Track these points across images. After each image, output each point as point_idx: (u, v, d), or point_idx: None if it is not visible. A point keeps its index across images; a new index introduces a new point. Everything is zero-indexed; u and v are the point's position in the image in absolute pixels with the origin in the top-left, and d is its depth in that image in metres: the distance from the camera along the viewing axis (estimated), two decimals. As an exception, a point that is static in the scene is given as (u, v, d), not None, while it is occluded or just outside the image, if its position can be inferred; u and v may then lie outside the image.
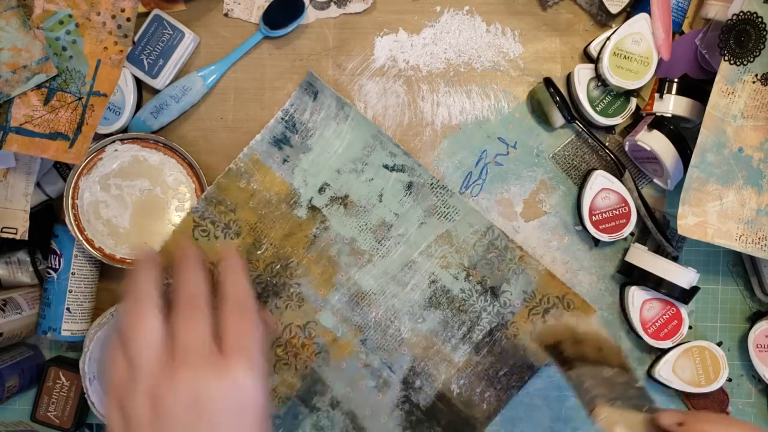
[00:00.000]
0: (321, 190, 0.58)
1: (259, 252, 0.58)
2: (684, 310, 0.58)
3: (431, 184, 0.58)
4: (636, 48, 0.54)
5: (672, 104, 0.55)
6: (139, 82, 0.58)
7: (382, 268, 0.58)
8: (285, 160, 0.58)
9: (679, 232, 0.53)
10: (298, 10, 0.57)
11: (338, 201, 0.58)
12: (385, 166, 0.58)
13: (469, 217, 0.58)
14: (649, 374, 0.60)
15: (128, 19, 0.54)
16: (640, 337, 0.58)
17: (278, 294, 0.58)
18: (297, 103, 0.57)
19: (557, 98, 0.57)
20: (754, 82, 0.51)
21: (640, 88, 0.56)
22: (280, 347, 0.58)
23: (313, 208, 0.58)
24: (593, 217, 0.57)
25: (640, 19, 0.54)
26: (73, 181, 0.56)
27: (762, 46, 0.51)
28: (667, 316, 0.58)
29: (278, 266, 0.58)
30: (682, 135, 0.56)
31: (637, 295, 0.58)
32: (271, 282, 0.58)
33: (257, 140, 0.58)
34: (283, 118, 0.57)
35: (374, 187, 0.58)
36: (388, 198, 0.58)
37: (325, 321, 0.58)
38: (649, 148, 0.55)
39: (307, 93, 0.57)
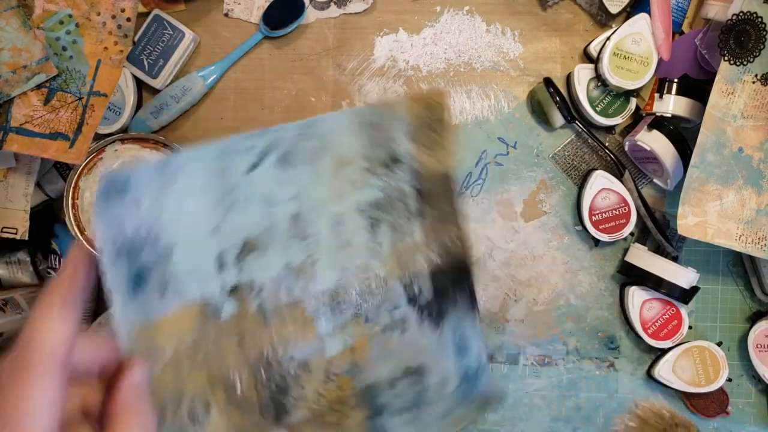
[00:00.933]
0: (220, 266, 0.47)
1: (239, 393, 0.49)
2: (684, 310, 0.58)
3: (299, 134, 0.48)
4: (636, 48, 0.54)
5: (672, 104, 0.55)
6: (139, 82, 0.58)
7: (326, 251, 0.51)
8: (163, 289, 0.45)
9: (679, 232, 0.53)
10: (298, 10, 0.57)
11: (244, 253, 0.48)
12: (252, 166, 0.47)
13: (338, 123, 0.50)
14: (649, 374, 0.60)
15: (128, 19, 0.54)
16: (640, 337, 0.58)
17: (287, 391, 0.52)
18: (106, 224, 0.42)
19: (557, 98, 0.57)
20: (753, 82, 0.52)
21: (640, 88, 0.56)
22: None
23: (233, 291, 0.48)
24: (593, 217, 0.57)
25: (640, 20, 0.54)
26: (73, 181, 0.56)
27: (762, 46, 0.51)
28: (667, 316, 0.58)
29: (276, 378, 0.51)
30: (682, 135, 0.56)
31: (637, 295, 0.58)
32: (277, 398, 0.52)
33: (116, 310, 0.42)
34: (111, 258, 0.44)
35: (258, 202, 0.48)
36: (275, 191, 0.49)
37: (332, 349, 0.53)
38: (648, 148, 0.55)
39: (110, 199, 0.42)
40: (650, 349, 0.60)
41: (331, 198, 0.51)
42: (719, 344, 0.60)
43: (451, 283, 0.55)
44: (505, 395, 0.59)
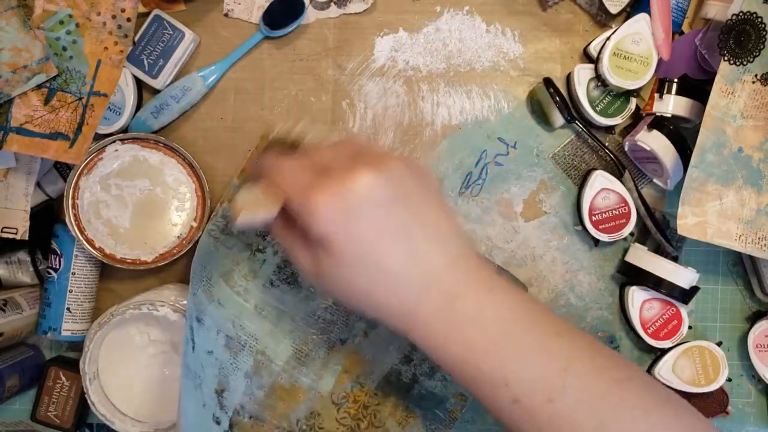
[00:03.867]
0: (217, 422, 0.54)
1: None
2: (684, 310, 0.58)
3: (193, 295, 0.53)
4: (636, 48, 0.54)
5: (672, 104, 0.56)
6: (139, 82, 0.58)
7: (267, 336, 0.54)
8: None
9: (679, 232, 0.53)
10: (298, 10, 0.57)
11: (221, 399, 0.54)
12: (192, 348, 0.53)
13: (204, 251, 0.54)
14: (649, 374, 0.60)
15: (128, 19, 0.54)
16: (639, 337, 0.58)
17: None
18: None
19: (557, 98, 0.57)
20: (753, 82, 0.52)
21: (640, 88, 0.56)
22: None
23: (230, 427, 0.53)
24: (593, 217, 0.57)
25: (640, 20, 0.54)
26: (74, 181, 0.56)
27: (761, 46, 0.51)
28: (667, 316, 0.58)
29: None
30: (681, 135, 0.56)
31: (636, 295, 0.58)
32: None
33: None
34: None
35: (206, 362, 0.53)
36: (207, 343, 0.54)
37: (326, 386, 0.56)
38: (648, 148, 0.55)
39: None
40: (650, 349, 0.60)
41: (238, 304, 0.54)
42: (719, 344, 0.60)
43: None
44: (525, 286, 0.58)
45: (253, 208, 0.39)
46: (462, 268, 0.38)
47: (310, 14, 0.59)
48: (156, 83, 0.57)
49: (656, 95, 0.56)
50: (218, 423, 0.54)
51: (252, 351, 0.53)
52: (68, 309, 0.58)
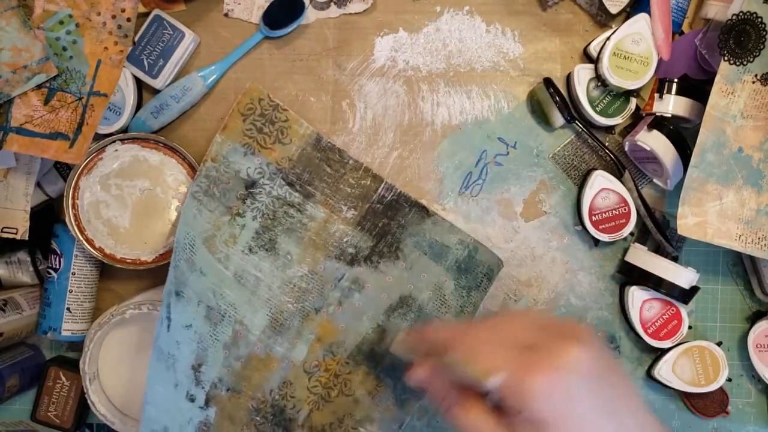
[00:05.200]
0: (191, 399, 0.54)
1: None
2: (684, 310, 0.58)
3: (174, 267, 0.54)
4: (636, 48, 0.54)
5: (672, 104, 0.56)
6: (139, 82, 0.58)
7: (245, 306, 0.55)
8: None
9: (679, 232, 0.53)
10: (298, 10, 0.57)
11: (197, 374, 0.54)
12: (167, 326, 0.53)
13: (186, 217, 0.54)
14: (649, 374, 0.60)
15: (128, 20, 0.54)
16: (639, 337, 0.58)
17: (283, 410, 0.56)
18: None
19: (557, 98, 0.57)
20: (753, 82, 0.52)
21: (640, 88, 0.56)
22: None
23: (207, 401, 0.54)
24: (593, 217, 0.57)
25: (640, 20, 0.54)
26: (74, 181, 0.56)
27: (762, 46, 0.51)
28: (667, 316, 0.58)
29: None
30: (681, 135, 0.56)
31: (636, 295, 0.58)
32: (279, 421, 0.56)
33: None
34: None
35: (183, 336, 0.54)
36: (186, 317, 0.54)
37: (298, 355, 0.56)
38: (648, 148, 0.55)
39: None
40: (650, 348, 0.60)
41: (219, 272, 0.55)
42: (719, 344, 0.60)
43: (384, 215, 0.56)
44: (502, 261, 0.58)
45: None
46: None
47: (310, 14, 0.59)
48: (156, 83, 0.57)
49: (656, 95, 0.56)
50: (192, 400, 0.54)
51: (231, 321, 0.54)
52: (68, 309, 0.58)
